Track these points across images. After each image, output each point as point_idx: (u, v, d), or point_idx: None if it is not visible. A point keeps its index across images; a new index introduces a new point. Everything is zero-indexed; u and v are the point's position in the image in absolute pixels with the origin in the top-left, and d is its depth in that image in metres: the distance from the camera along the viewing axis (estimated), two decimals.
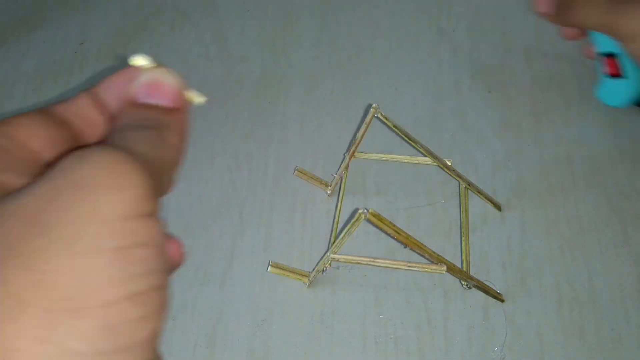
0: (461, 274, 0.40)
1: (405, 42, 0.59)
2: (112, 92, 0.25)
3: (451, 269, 0.39)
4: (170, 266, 0.23)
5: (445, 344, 0.43)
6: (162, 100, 0.24)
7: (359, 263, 0.40)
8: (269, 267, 0.46)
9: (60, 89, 0.59)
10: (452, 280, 0.45)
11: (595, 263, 0.45)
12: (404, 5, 0.61)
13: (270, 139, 0.53)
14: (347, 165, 0.47)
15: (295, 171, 0.49)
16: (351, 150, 0.45)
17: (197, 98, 0.26)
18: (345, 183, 0.49)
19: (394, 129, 0.41)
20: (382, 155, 0.48)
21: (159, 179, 0.21)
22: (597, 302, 0.43)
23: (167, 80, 0.24)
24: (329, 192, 0.49)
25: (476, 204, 0.48)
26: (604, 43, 0.47)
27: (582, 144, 0.51)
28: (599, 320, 0.43)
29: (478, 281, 0.42)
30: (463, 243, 0.45)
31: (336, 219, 0.47)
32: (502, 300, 0.43)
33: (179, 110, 0.24)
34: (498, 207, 0.47)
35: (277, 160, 0.52)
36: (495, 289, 0.44)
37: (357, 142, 0.43)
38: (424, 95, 0.55)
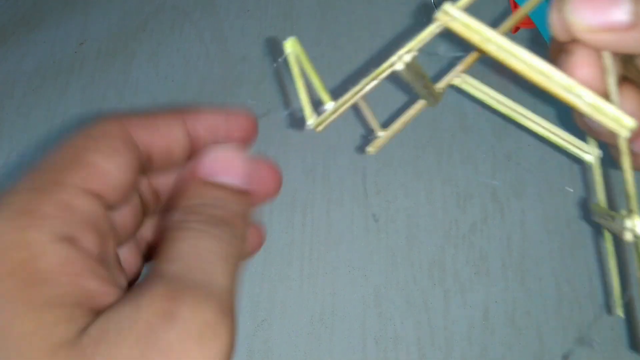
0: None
1: (405, 41, 0.59)
2: (202, 124, 0.24)
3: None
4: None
5: (446, 344, 0.43)
6: (231, 177, 0.23)
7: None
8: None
9: (60, 89, 0.59)
10: (452, 280, 0.45)
11: (595, 263, 0.45)
12: (404, 4, 0.61)
13: (270, 139, 0.53)
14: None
15: None
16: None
17: None
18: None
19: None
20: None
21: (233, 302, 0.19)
22: (597, 302, 0.43)
23: (238, 156, 0.23)
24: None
25: (476, 203, 0.48)
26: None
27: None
28: (599, 320, 0.43)
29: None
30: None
31: None
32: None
33: (247, 194, 0.23)
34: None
35: (277, 160, 0.52)
36: None
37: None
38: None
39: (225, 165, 0.23)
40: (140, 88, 0.58)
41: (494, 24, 0.61)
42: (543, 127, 0.29)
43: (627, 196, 0.22)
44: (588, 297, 0.43)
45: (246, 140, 0.26)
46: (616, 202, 0.42)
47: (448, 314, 0.44)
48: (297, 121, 0.54)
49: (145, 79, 0.58)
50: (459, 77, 0.28)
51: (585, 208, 0.47)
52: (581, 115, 0.23)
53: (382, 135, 0.28)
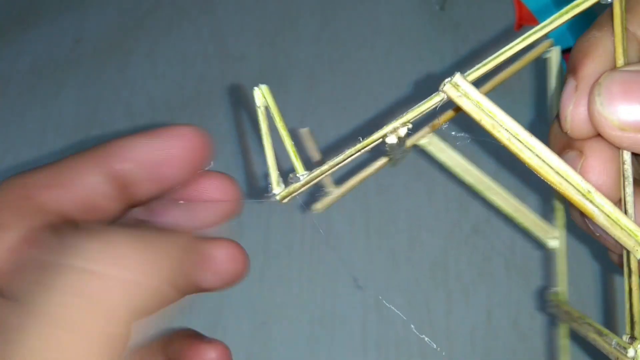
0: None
1: (406, 38, 0.58)
2: (133, 160, 0.20)
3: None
4: None
5: (448, 346, 0.42)
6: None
7: None
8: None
9: (56, 87, 0.58)
10: (454, 282, 0.44)
11: (598, 264, 0.44)
12: (404, 1, 0.61)
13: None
14: None
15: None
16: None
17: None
18: None
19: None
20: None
21: None
22: (600, 304, 0.43)
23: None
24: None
25: (479, 204, 0.47)
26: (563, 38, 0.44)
27: None
28: (603, 322, 0.42)
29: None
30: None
31: None
32: None
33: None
34: None
35: (276, 159, 0.51)
36: None
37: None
38: (426, 93, 0.54)
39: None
40: (137, 87, 0.57)
41: (496, 22, 0.60)
42: (508, 203, 0.27)
43: (630, 320, 0.20)
44: (591, 299, 0.43)
45: (201, 163, 0.22)
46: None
47: (450, 317, 0.43)
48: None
49: (142, 77, 0.58)
50: (426, 138, 0.25)
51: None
52: (583, 216, 0.20)
53: (334, 192, 0.25)
